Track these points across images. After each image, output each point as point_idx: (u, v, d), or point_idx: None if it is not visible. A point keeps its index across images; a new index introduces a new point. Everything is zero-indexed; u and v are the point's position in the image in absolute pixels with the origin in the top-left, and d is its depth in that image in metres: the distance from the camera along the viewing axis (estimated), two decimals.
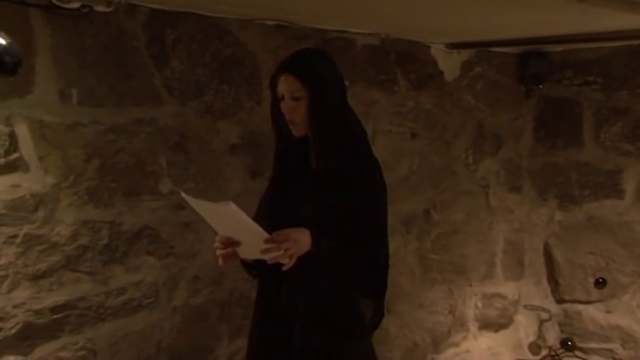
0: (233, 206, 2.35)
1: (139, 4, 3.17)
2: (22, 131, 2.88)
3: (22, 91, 2.87)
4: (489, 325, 4.96)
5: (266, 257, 2.45)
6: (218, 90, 3.49)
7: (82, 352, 3.10)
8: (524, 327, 5.12)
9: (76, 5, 2.90)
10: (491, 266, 4.95)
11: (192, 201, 2.54)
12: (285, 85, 2.60)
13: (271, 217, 2.66)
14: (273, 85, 2.65)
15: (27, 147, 2.90)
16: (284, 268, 2.45)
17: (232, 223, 2.47)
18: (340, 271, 2.58)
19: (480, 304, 4.89)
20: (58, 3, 2.83)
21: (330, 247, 2.53)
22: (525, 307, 5.10)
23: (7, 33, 2.42)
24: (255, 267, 2.71)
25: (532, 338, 5.09)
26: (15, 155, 2.86)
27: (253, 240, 2.45)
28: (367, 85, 4.15)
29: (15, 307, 2.88)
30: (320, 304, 2.59)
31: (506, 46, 4.63)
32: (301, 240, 2.48)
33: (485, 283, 4.92)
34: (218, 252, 2.58)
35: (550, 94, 4.95)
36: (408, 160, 4.44)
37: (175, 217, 3.35)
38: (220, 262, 2.59)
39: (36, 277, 2.94)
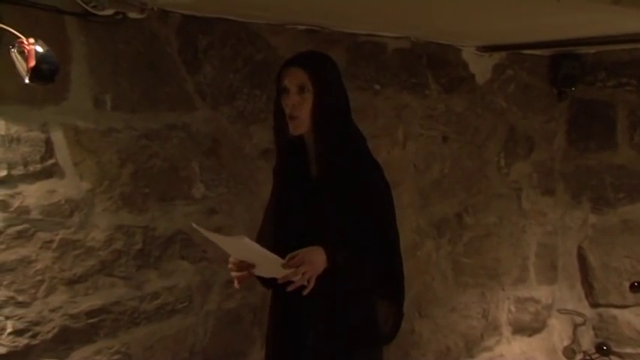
0: (246, 240, 2.38)
1: (171, 11, 3.20)
2: (58, 137, 2.91)
3: (57, 98, 2.90)
4: (523, 329, 4.92)
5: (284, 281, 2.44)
6: (250, 95, 3.50)
7: (117, 356, 3.12)
8: (559, 331, 5.07)
9: (109, 12, 2.92)
10: (524, 270, 4.92)
11: (204, 232, 2.56)
12: (293, 78, 2.55)
13: (277, 232, 2.65)
14: (279, 80, 2.60)
15: (62, 153, 2.93)
16: (305, 293, 2.43)
17: (246, 251, 2.49)
18: (358, 282, 2.56)
19: (513, 308, 4.86)
20: (92, 10, 2.85)
21: (346, 260, 2.49)
22: (559, 311, 5.06)
23: (44, 40, 2.44)
24: (269, 280, 2.65)
25: (566, 343, 5.04)
26: (51, 161, 2.88)
27: (269, 263, 2.46)
28: (398, 89, 4.15)
29: (52, 311, 2.91)
30: (341, 315, 2.57)
31: (538, 49, 4.61)
32: (316, 260, 2.44)
33: (518, 287, 4.89)
34: (233, 274, 2.58)
35: (583, 97, 4.91)
36: (440, 163, 4.43)
37: (208, 221, 3.36)
38: (236, 284, 2.59)
39: (72, 282, 2.97)
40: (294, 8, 3.24)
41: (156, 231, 3.23)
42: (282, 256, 2.43)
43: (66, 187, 2.94)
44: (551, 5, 3.04)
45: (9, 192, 2.77)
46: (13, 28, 2.42)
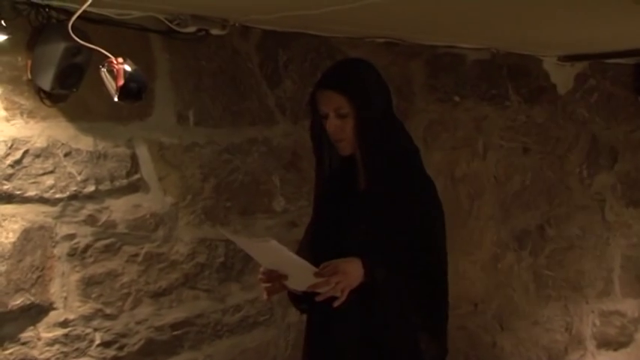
0: (274, 243, 2.25)
1: (252, 26, 3.24)
2: (143, 153, 2.98)
3: (142, 114, 2.96)
4: (608, 343, 4.81)
5: (315, 290, 2.27)
6: None
7: None
8: None
9: (192, 29, 2.98)
10: (609, 282, 4.81)
11: (232, 237, 2.53)
12: (329, 103, 2.35)
13: (317, 245, 2.47)
14: (313, 102, 2.41)
15: (147, 168, 2.99)
16: (335, 304, 2.24)
17: (276, 257, 2.34)
18: (398, 304, 2.35)
19: (597, 322, 4.76)
20: (176, 28, 2.92)
21: (385, 278, 2.30)
22: None
23: (130, 58, 2.51)
24: (303, 300, 2.45)
25: None
26: (136, 176, 2.95)
27: (301, 273, 2.30)
28: (478, 101, 4.12)
29: (138, 323, 2.97)
30: (378, 342, 2.37)
31: (622, 57, 4.51)
32: (351, 271, 2.26)
33: (603, 300, 4.78)
34: (262, 285, 2.42)
35: None
36: (521, 175, 4.37)
37: (289, 234, 3.38)
38: (264, 296, 2.44)
39: (157, 295, 3.02)
40: (373, 21, 3.24)
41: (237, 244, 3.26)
42: (315, 267, 2.27)
43: (151, 202, 3.00)
44: (634, 12, 2.98)
45: (97, 207, 2.84)
46: (101, 47, 2.49)
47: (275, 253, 2.29)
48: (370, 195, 2.40)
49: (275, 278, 2.37)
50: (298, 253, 2.41)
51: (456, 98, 4.04)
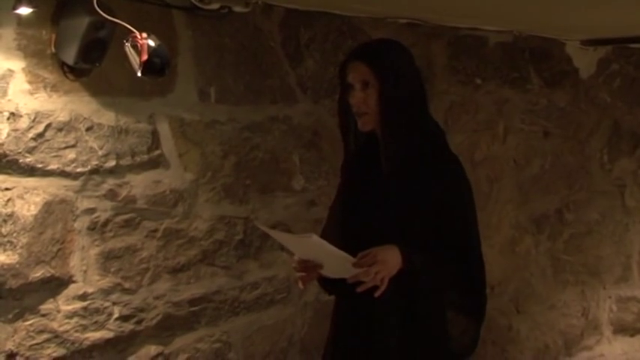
0: (315, 238, 2.26)
1: (275, 4, 3.23)
2: (164, 129, 2.98)
3: (163, 90, 2.97)
4: (625, 329, 4.80)
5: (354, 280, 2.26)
6: None
7: (217, 345, 3.18)
8: None
9: (215, 6, 2.98)
10: (627, 269, 4.79)
11: (268, 230, 2.55)
12: (355, 73, 2.36)
13: (346, 229, 2.45)
14: (343, 75, 2.42)
15: (168, 144, 3.00)
16: (376, 294, 2.24)
17: (314, 250, 2.34)
18: (437, 288, 2.36)
19: (614, 308, 4.75)
20: (199, 4, 2.91)
21: (423, 262, 2.29)
22: None
23: (153, 34, 2.51)
24: (334, 283, 2.42)
25: None
26: (157, 152, 2.96)
27: (337, 263, 2.30)
28: (499, 84, 4.11)
29: (156, 298, 2.98)
30: (417, 323, 2.36)
31: None
32: (390, 260, 2.25)
33: (620, 286, 4.77)
34: (298, 274, 2.41)
35: None
36: (541, 159, 4.36)
37: (308, 213, 3.39)
38: (300, 285, 2.43)
39: (175, 270, 3.04)
40: (396, 2, 3.23)
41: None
42: (353, 256, 2.27)
43: (171, 178, 3.01)
44: None
45: (117, 182, 2.85)
46: (125, 22, 2.49)
47: (315, 246, 2.29)
48: (393, 175, 2.37)
49: (310, 267, 2.38)
50: (323, 236, 2.40)
51: (478, 81, 4.02)
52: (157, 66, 2.45)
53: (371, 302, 2.28)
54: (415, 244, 2.30)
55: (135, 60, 2.45)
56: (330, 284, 2.48)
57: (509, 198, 4.22)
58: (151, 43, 2.43)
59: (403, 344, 2.37)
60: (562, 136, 4.42)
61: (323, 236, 2.43)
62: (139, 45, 2.43)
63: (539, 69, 4.26)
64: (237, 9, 3.05)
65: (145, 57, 2.42)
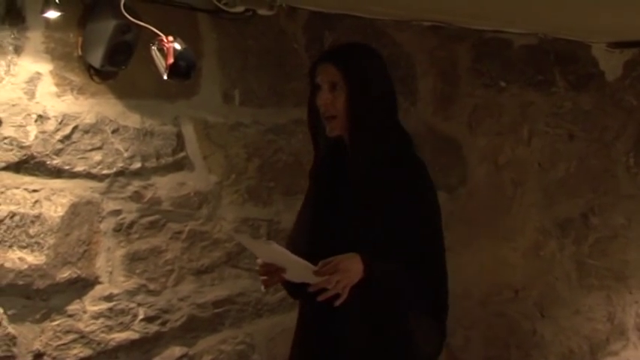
0: (275, 245, 2.27)
1: (299, 7, 3.24)
2: (188, 131, 3.01)
3: (188, 93, 2.99)
4: None
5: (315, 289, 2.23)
6: None
7: (241, 346, 3.19)
8: None
9: (240, 9, 2.99)
10: None
11: (235, 235, 2.74)
12: (322, 74, 2.32)
13: (312, 235, 2.42)
14: (312, 77, 2.38)
15: (192, 146, 3.02)
16: (336, 303, 2.20)
17: (277, 256, 2.32)
18: (396, 295, 2.31)
19: None
20: (224, 7, 2.93)
21: (384, 271, 2.25)
22: None
23: (178, 37, 2.53)
24: (297, 287, 2.36)
25: None
26: (182, 154, 2.98)
27: (299, 269, 2.28)
28: (523, 86, 4.08)
29: (180, 300, 3.00)
30: (379, 334, 2.33)
31: None
32: (352, 268, 2.20)
33: None
34: (260, 277, 2.38)
35: None
36: (565, 162, 4.33)
37: None
38: (263, 288, 2.39)
39: (199, 272, 3.05)
40: (420, 4, 3.23)
41: (280, 224, 3.27)
42: (315, 263, 2.22)
43: (195, 180, 3.03)
44: None
45: (142, 184, 2.88)
46: (151, 25, 2.51)
47: (276, 252, 2.30)
48: (360, 182, 2.35)
49: (273, 271, 2.34)
50: (290, 242, 2.43)
51: (502, 83, 4.01)
52: (182, 69, 2.48)
53: (333, 308, 2.24)
54: (379, 252, 2.26)
55: (161, 63, 2.47)
56: (293, 288, 2.45)
57: (534, 201, 4.20)
58: (177, 46, 2.45)
59: (366, 349, 2.34)
60: (587, 139, 4.39)
61: (290, 242, 2.45)
62: (165, 48, 2.45)
63: (564, 72, 4.23)
64: (262, 12, 3.06)
65: (170, 60, 2.44)
